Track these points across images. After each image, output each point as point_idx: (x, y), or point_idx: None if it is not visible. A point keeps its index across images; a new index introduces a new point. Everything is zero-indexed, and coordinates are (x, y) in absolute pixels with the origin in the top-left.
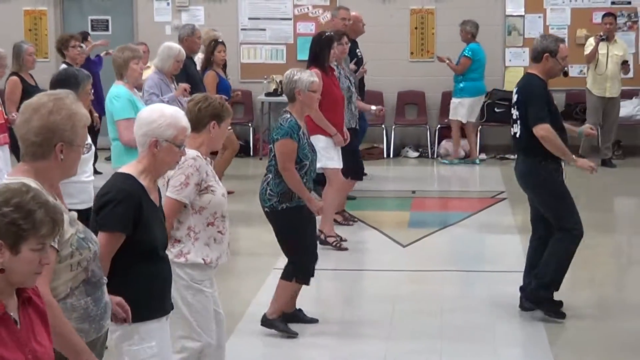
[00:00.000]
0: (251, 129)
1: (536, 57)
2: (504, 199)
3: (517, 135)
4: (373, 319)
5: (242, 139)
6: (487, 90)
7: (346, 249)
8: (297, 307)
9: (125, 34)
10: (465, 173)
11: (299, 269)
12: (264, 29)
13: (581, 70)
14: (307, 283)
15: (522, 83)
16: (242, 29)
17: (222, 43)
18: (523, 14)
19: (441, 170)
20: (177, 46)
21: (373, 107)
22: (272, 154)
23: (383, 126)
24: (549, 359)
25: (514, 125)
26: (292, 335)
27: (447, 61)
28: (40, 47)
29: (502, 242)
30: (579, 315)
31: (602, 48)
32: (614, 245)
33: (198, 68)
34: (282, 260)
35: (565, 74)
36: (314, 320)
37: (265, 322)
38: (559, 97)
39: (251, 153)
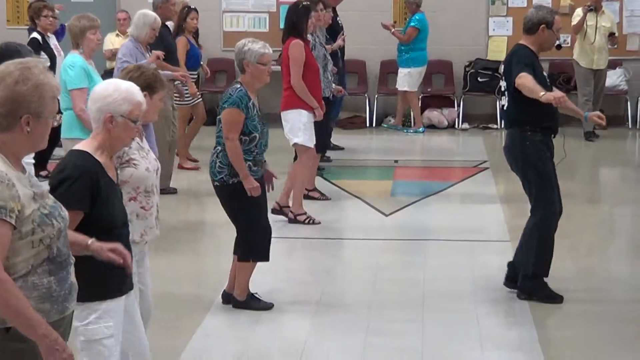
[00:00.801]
0: None
1: (531, 28)
2: (487, 168)
3: (505, 107)
4: (355, 288)
5: None
6: (470, 60)
7: (319, 223)
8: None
9: (108, 1)
10: (448, 142)
11: (254, 248)
12: None
13: (565, 40)
14: (267, 259)
15: (510, 53)
16: None
17: (195, 10)
18: None
19: (424, 139)
20: (152, 14)
21: (333, 85)
22: (220, 124)
23: (366, 95)
24: (531, 329)
25: (502, 97)
26: (268, 307)
27: (393, 29)
28: (22, 15)
29: (485, 212)
30: (563, 286)
31: (590, 19)
32: (597, 216)
33: None
34: None
35: (559, 46)
36: (268, 306)
37: (237, 304)
38: (543, 67)
39: None
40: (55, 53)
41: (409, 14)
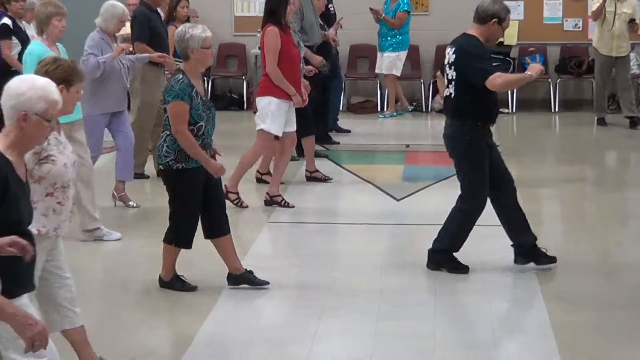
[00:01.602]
0: (245, 82)
1: (484, 18)
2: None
3: (451, 96)
4: (366, 273)
5: (235, 92)
6: None
7: (293, 207)
8: (249, 268)
9: None
10: None
11: (179, 234)
12: None
13: (576, 24)
14: (188, 247)
15: (461, 44)
16: None
17: None
18: None
19: (435, 124)
20: (121, 5)
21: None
22: (167, 114)
23: (377, 80)
24: (543, 313)
25: (449, 85)
26: (192, 289)
27: (384, 15)
28: None
29: None
30: (576, 269)
31: (610, 5)
32: (611, 200)
33: None
34: (276, 213)
35: (501, 43)
36: (264, 283)
37: (163, 284)
38: (554, 51)
39: (245, 107)
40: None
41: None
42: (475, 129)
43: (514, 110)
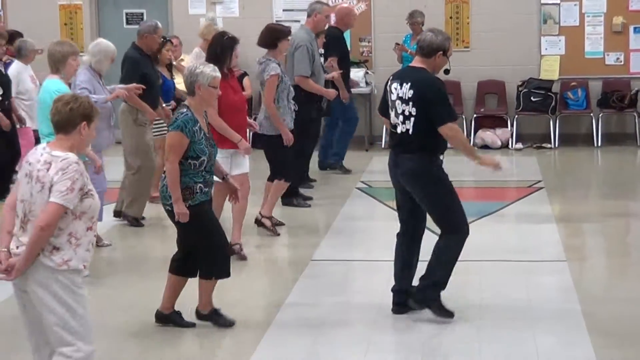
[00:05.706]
0: None
1: (429, 53)
2: (541, 188)
3: (410, 132)
4: (410, 308)
5: None
6: (523, 79)
7: (245, 259)
8: (217, 306)
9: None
10: (501, 162)
11: (214, 266)
12: (299, 21)
13: (617, 58)
14: (227, 276)
15: (419, 79)
16: (276, 21)
17: (171, 42)
18: (559, 2)
19: None
20: (112, 46)
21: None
22: None
23: None
24: (589, 349)
25: (406, 121)
26: (231, 324)
27: (410, 51)
28: (76, 41)
29: (540, 232)
30: (621, 304)
31: None
32: None
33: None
34: (320, 251)
35: (447, 71)
36: (231, 323)
37: (202, 317)
38: (596, 85)
39: None
40: (31, 83)
41: (414, 34)
42: (437, 161)
43: (556, 145)
